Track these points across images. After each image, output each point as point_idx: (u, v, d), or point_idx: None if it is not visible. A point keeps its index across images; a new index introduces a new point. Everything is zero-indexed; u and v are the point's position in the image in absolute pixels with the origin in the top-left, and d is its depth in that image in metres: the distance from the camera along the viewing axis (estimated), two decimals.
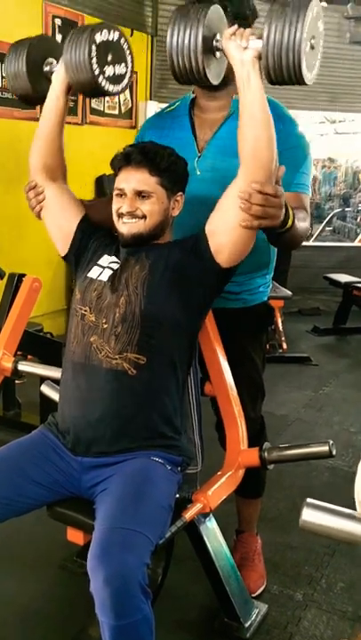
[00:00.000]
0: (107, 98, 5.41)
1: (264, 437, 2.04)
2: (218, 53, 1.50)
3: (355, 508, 1.07)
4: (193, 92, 1.92)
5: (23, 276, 2.57)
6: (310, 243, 6.95)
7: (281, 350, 4.84)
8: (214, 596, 1.91)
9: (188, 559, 1.91)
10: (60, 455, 1.63)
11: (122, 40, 1.69)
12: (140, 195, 1.63)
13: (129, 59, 1.73)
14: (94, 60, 1.60)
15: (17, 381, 3.36)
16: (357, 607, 2.07)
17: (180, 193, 1.69)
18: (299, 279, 5.97)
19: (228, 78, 1.80)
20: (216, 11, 1.49)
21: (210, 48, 1.47)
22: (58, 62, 1.72)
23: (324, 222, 7.88)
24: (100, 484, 1.57)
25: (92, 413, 1.60)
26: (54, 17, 4.73)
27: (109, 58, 1.65)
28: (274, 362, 4.46)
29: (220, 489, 1.71)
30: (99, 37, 1.60)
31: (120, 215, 1.66)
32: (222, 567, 1.83)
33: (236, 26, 1.49)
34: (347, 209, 9.49)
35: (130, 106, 5.72)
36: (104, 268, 1.69)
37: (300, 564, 2.29)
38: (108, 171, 1.73)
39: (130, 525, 1.37)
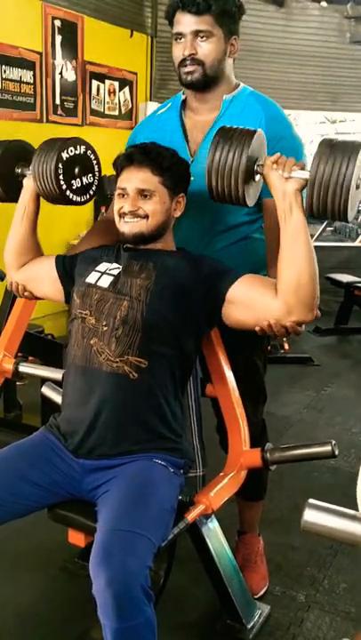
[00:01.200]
0: (107, 98, 5.42)
1: (265, 439, 2.03)
2: (257, 177, 1.48)
3: (357, 509, 1.07)
4: (183, 93, 1.89)
5: None
6: (311, 243, 6.94)
7: (283, 351, 4.83)
8: (216, 598, 1.90)
9: (190, 560, 1.90)
10: (61, 457, 1.63)
11: (88, 152, 1.77)
12: (143, 194, 1.62)
13: (96, 168, 1.81)
14: (61, 177, 1.68)
15: (18, 383, 3.35)
16: (360, 608, 2.07)
17: (182, 194, 1.68)
18: None
19: (219, 79, 1.80)
20: (259, 136, 1.47)
21: (250, 173, 1.46)
22: (30, 167, 1.75)
23: (325, 222, 7.86)
24: (101, 486, 1.56)
25: (93, 416, 1.59)
26: (54, 18, 4.73)
27: (76, 171, 1.74)
28: (276, 362, 4.45)
29: (222, 490, 1.70)
30: (65, 155, 1.68)
31: (121, 215, 1.65)
32: (224, 568, 1.82)
33: (278, 154, 1.47)
34: None
35: (130, 107, 5.72)
36: (102, 273, 1.68)
37: (302, 564, 2.28)
38: (109, 171, 1.74)
39: (132, 528, 1.36)
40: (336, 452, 1.62)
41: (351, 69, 6.31)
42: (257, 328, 1.54)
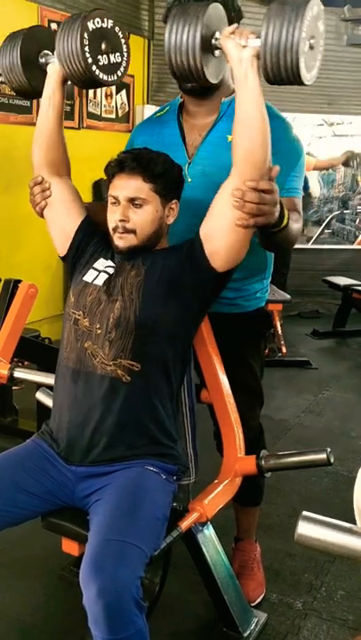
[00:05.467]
0: (103, 102, 5.40)
1: (262, 444, 2.01)
2: (217, 52, 1.47)
3: (354, 517, 1.05)
4: (181, 97, 1.88)
5: (19, 282, 2.56)
6: (309, 245, 6.93)
7: (280, 354, 4.82)
8: (212, 606, 1.88)
9: (185, 568, 1.89)
10: (53, 464, 1.61)
11: (116, 28, 1.65)
12: (134, 202, 1.60)
13: (124, 47, 1.68)
14: (87, 49, 1.56)
15: (14, 387, 3.34)
16: (358, 616, 2.05)
17: (175, 200, 1.66)
18: (298, 282, 5.96)
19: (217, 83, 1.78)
20: (216, 9, 1.45)
21: (209, 46, 1.44)
22: (53, 54, 1.66)
23: (323, 225, 7.84)
24: (94, 494, 1.55)
25: (86, 421, 1.58)
26: (50, 21, 4.71)
27: (103, 46, 1.60)
28: (273, 366, 4.44)
29: (216, 497, 1.68)
30: (91, 25, 1.56)
31: (114, 230, 1.63)
32: (220, 576, 1.81)
33: (235, 24, 1.46)
34: (345, 211, 9.47)
35: (127, 110, 5.70)
36: (100, 271, 1.67)
37: (299, 571, 2.26)
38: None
39: (123, 537, 1.34)
40: (332, 460, 1.60)
41: (348, 72, 6.29)
42: (238, 222, 1.50)
